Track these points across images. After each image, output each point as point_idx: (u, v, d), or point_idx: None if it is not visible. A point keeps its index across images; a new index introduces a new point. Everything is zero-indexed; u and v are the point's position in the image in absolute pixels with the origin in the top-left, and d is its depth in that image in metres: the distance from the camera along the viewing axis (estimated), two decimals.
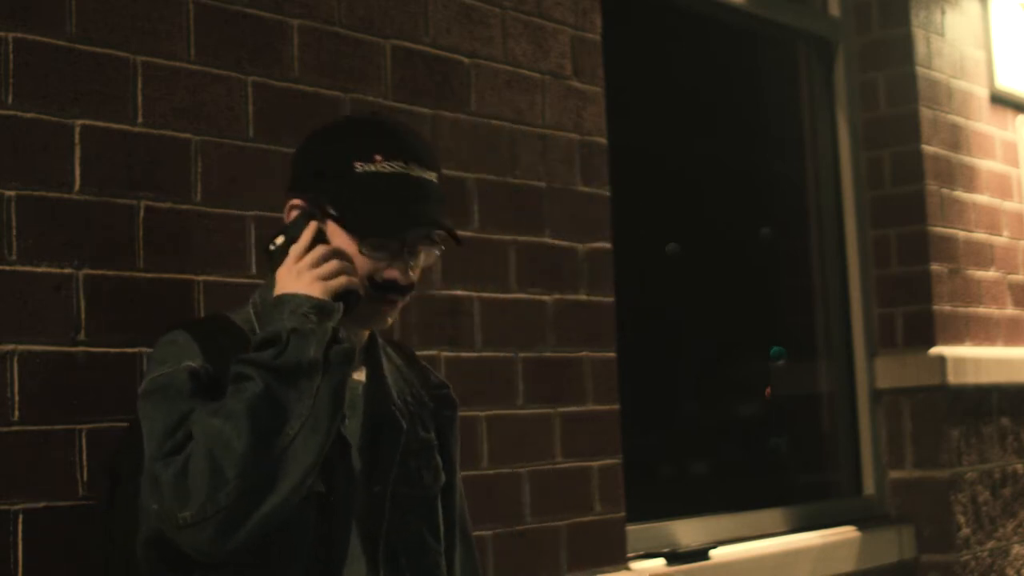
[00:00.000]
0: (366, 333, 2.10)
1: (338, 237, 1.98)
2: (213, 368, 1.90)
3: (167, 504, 1.80)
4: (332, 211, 1.98)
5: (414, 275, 2.03)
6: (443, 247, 2.07)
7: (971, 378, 4.33)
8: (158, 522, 1.83)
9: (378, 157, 1.98)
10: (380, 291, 2.00)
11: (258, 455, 1.79)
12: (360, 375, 2.07)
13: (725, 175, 4.34)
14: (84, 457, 2.14)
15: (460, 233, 2.07)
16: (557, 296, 3.09)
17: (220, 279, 2.38)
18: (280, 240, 1.99)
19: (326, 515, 1.94)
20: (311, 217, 1.99)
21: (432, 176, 2.03)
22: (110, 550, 1.96)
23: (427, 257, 2.06)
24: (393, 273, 1.99)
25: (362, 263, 1.98)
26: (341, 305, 1.93)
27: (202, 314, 2.33)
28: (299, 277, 1.93)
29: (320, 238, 1.98)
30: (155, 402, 1.88)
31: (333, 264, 1.94)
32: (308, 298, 1.90)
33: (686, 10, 4.04)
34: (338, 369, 1.89)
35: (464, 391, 2.81)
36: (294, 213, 2.01)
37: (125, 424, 2.05)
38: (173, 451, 1.82)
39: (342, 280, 1.93)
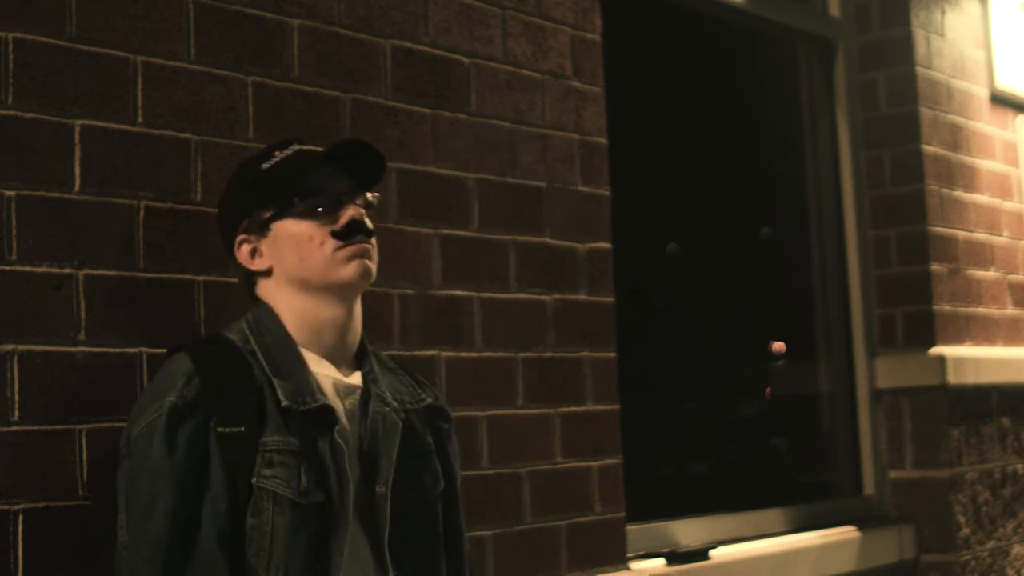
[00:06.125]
0: (356, 336, 2.11)
1: (288, 232, 2.05)
2: (193, 397, 1.95)
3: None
4: (268, 215, 2.06)
5: (369, 221, 2.09)
6: (378, 194, 2.14)
7: (971, 378, 4.33)
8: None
9: (276, 153, 2.11)
10: (348, 238, 2.04)
11: None
12: (355, 379, 2.09)
13: (725, 175, 4.34)
14: (84, 457, 2.14)
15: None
16: (557, 296, 3.09)
17: (220, 279, 2.38)
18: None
19: (324, 520, 1.97)
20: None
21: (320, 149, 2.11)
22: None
23: (373, 199, 2.12)
24: (348, 212, 2.05)
25: (319, 233, 2.03)
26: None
27: (202, 313, 2.34)
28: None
29: None
30: (132, 475, 1.94)
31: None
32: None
33: (686, 10, 4.04)
34: None
35: (464, 391, 2.82)
36: (246, 247, 2.10)
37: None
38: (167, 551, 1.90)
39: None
